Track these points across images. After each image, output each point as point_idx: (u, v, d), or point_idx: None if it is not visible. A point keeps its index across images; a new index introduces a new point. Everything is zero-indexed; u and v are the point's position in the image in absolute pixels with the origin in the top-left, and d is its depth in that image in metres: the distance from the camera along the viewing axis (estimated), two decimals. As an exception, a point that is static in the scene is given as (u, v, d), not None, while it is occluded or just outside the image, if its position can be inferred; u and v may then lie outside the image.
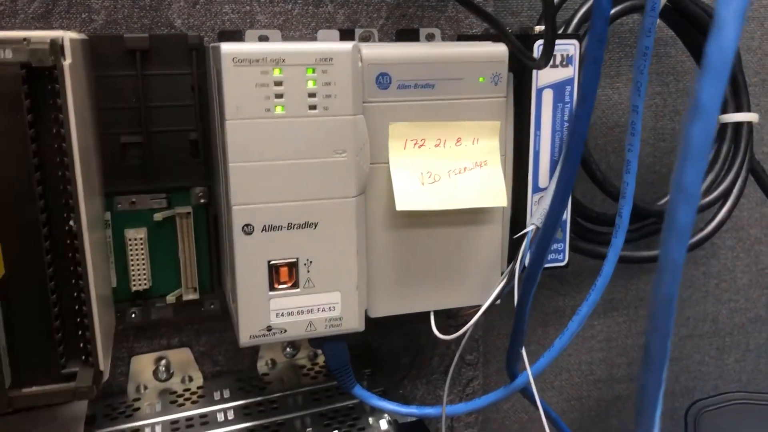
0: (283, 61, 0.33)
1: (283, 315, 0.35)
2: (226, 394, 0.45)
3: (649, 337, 0.18)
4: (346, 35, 0.44)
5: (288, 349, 0.48)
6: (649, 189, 0.58)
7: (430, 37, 0.46)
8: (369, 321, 0.38)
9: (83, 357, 0.33)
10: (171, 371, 0.46)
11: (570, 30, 0.44)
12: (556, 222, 0.28)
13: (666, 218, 0.17)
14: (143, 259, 0.42)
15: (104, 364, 0.33)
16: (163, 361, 0.46)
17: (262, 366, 0.48)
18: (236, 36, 0.42)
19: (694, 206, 0.17)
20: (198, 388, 0.46)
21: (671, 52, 0.57)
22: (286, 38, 0.44)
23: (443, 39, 0.47)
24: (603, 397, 0.63)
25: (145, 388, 0.46)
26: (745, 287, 0.65)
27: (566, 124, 0.39)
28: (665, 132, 0.58)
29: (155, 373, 0.46)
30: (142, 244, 0.42)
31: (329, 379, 0.47)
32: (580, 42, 0.39)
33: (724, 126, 0.51)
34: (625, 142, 0.33)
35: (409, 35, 0.46)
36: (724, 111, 0.51)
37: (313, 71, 0.33)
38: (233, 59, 0.32)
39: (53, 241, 0.32)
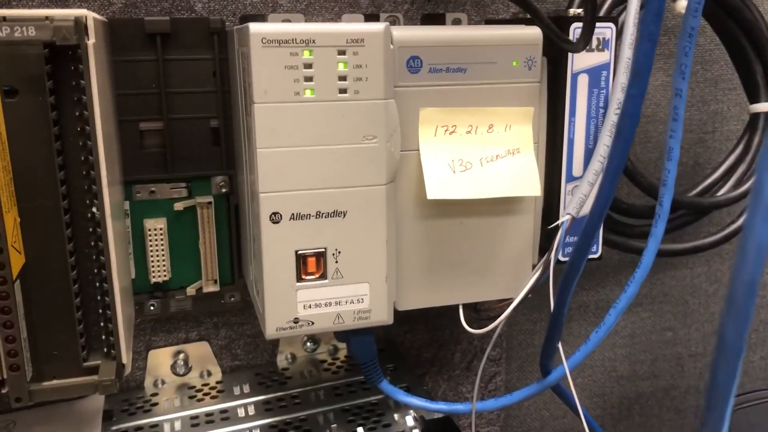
0: (313, 42, 0.31)
1: (310, 307, 0.34)
2: (246, 389, 0.44)
3: (725, 324, 0.17)
4: (371, 20, 0.43)
5: (308, 344, 0.47)
6: (678, 180, 0.56)
7: (456, 22, 0.44)
8: (394, 312, 0.37)
9: (105, 349, 0.32)
10: (189, 365, 0.45)
11: (602, 12, 0.43)
12: (604, 209, 0.27)
13: (751, 197, 0.16)
14: (163, 250, 0.40)
15: (126, 356, 0.32)
16: (182, 355, 0.45)
17: (281, 360, 0.47)
18: (258, 20, 0.40)
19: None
20: (217, 382, 0.45)
21: (699, 41, 0.55)
22: (309, 22, 0.43)
23: (469, 24, 0.45)
24: (626, 394, 0.62)
25: (163, 382, 0.45)
26: (771, 282, 0.63)
27: (602, 111, 0.38)
28: (692, 122, 0.57)
29: (173, 367, 0.45)
30: (161, 234, 0.40)
31: (351, 374, 0.46)
32: (617, 25, 0.37)
33: (755, 115, 0.50)
34: (667, 127, 0.32)
35: (434, 20, 0.44)
36: (756, 100, 0.50)
37: (344, 53, 0.32)
38: (262, 40, 0.31)
39: (75, 229, 0.31)
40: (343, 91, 0.32)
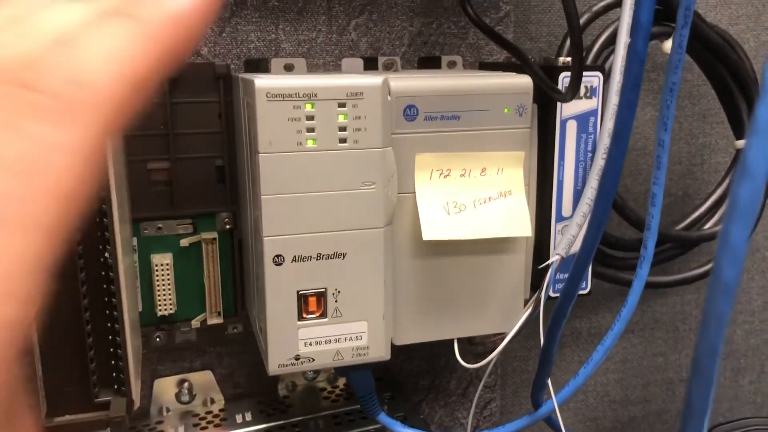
0: (315, 95, 0.33)
1: (311, 344, 0.36)
2: (248, 417, 0.46)
3: (692, 387, 0.19)
4: (370, 63, 0.45)
5: (309, 372, 0.49)
6: (665, 212, 0.58)
7: (451, 65, 0.46)
8: (391, 347, 0.38)
9: (115, 386, 0.34)
10: (193, 393, 0.47)
11: (591, 58, 0.45)
12: (589, 257, 0.28)
13: (712, 273, 0.17)
14: (169, 284, 0.42)
15: (135, 392, 0.34)
16: (186, 384, 0.47)
17: (282, 389, 0.49)
18: (262, 64, 0.42)
19: (740, 263, 0.17)
20: (220, 410, 0.47)
21: (687, 77, 0.57)
22: (310, 66, 0.44)
23: (464, 66, 0.47)
24: (618, 418, 0.63)
25: (168, 410, 0.46)
26: (760, 309, 0.65)
27: (590, 154, 0.40)
28: (681, 155, 0.59)
29: (178, 395, 0.46)
30: (168, 269, 0.42)
31: (350, 403, 0.47)
32: (603, 73, 0.39)
33: (741, 151, 0.52)
34: (652, 175, 0.34)
35: (430, 63, 0.46)
36: (741, 136, 0.51)
37: (344, 105, 0.34)
38: (267, 94, 0.32)
39: (88, 272, 0.33)
40: (343, 140, 0.34)
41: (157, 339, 0.43)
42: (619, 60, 0.39)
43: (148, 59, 0.17)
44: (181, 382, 0.47)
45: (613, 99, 0.38)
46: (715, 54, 0.50)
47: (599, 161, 0.38)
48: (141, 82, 0.17)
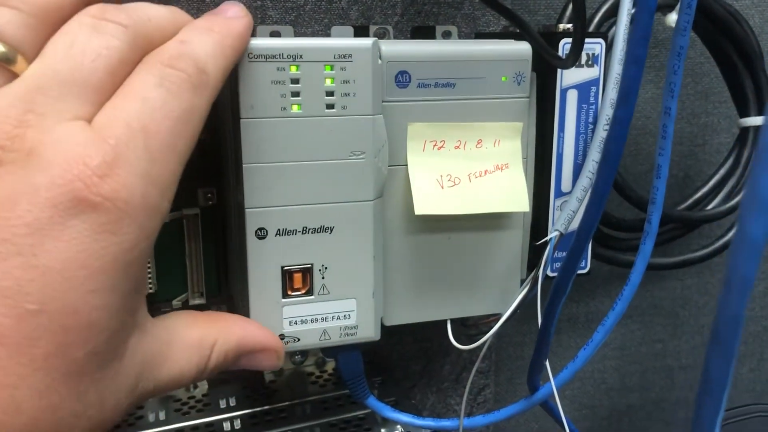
0: (301, 57, 0.31)
1: (296, 323, 0.34)
2: (233, 402, 0.44)
3: (710, 359, 0.17)
4: (360, 32, 0.42)
5: (296, 357, 0.47)
6: (667, 194, 0.56)
7: (446, 35, 0.44)
8: (382, 328, 0.37)
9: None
10: (175, 378, 0.45)
11: (592, 27, 0.43)
12: (590, 230, 0.27)
13: (736, 230, 0.16)
14: (149, 264, 0.40)
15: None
16: (167, 368, 0.45)
17: (268, 373, 0.47)
18: (247, 32, 0.40)
19: (768, 217, 0.15)
20: (203, 395, 0.45)
21: (690, 54, 0.55)
22: (298, 34, 0.42)
23: (460, 37, 0.45)
24: (615, 406, 0.62)
25: (149, 395, 0.44)
26: (761, 295, 0.63)
27: (591, 126, 0.38)
28: (683, 135, 0.57)
29: (159, 380, 0.44)
30: (147, 246, 0.40)
31: (338, 388, 0.46)
32: (606, 40, 0.37)
33: (745, 129, 0.50)
34: (656, 145, 0.32)
35: (424, 33, 0.44)
36: (745, 114, 0.50)
37: (332, 68, 0.32)
38: (248, 54, 0.30)
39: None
40: (330, 106, 0.32)
41: (137, 320, 0.41)
42: (622, 28, 0.37)
43: (227, 55, 0.28)
44: (163, 365, 0.45)
45: (616, 68, 0.36)
46: (719, 27, 0.48)
47: (601, 133, 0.36)
48: (226, 71, 0.28)
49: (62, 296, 0.22)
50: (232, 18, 0.28)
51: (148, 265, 0.40)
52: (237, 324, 0.31)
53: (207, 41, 0.27)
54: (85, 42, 0.24)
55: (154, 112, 0.24)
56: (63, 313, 0.22)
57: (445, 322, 0.38)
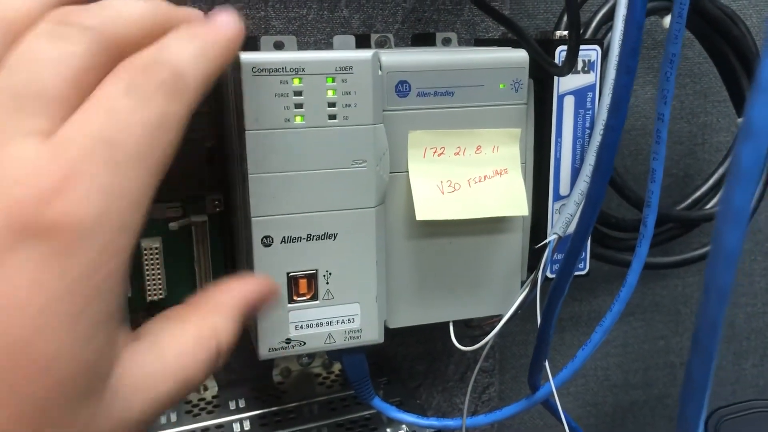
0: (303, 70, 0.32)
1: (302, 327, 0.35)
2: (242, 403, 0.45)
3: (692, 362, 0.18)
4: (362, 40, 0.43)
5: (304, 358, 0.48)
6: (666, 193, 0.57)
7: (446, 42, 0.45)
8: (386, 330, 0.38)
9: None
10: (186, 380, 0.46)
11: (589, 33, 0.44)
12: (586, 235, 0.27)
13: (713, 241, 0.16)
14: (158, 269, 0.41)
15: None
16: (178, 371, 0.46)
17: (276, 375, 0.48)
18: (251, 42, 0.41)
19: (743, 229, 0.16)
20: (213, 397, 0.46)
21: (688, 54, 0.56)
22: (301, 44, 0.43)
23: (460, 43, 0.46)
24: (619, 403, 0.62)
25: (160, 397, 0.45)
26: (763, 291, 0.64)
27: (587, 131, 0.39)
28: (682, 135, 0.58)
29: (170, 382, 0.45)
30: (157, 253, 0.41)
31: (345, 389, 0.47)
32: (602, 47, 0.38)
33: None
34: (651, 150, 0.33)
35: (425, 40, 0.45)
36: (743, 113, 0.50)
37: (333, 80, 0.33)
38: (252, 69, 0.31)
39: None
40: (332, 117, 0.33)
41: (148, 325, 0.42)
42: (617, 34, 0.38)
43: (210, 60, 0.26)
44: (173, 368, 0.46)
45: (612, 74, 0.37)
46: (717, 29, 0.49)
47: (597, 137, 0.37)
48: (210, 77, 0.26)
49: (11, 331, 0.20)
50: (221, 25, 0.26)
51: (158, 273, 0.41)
52: (226, 294, 0.30)
53: (188, 47, 0.24)
54: (42, 50, 0.22)
55: (121, 122, 0.22)
56: (12, 350, 0.20)
57: (447, 323, 0.39)
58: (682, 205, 0.51)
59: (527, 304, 0.38)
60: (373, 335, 0.36)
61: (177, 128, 0.24)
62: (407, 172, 0.36)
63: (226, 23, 0.27)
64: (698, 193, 0.52)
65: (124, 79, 0.23)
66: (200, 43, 0.25)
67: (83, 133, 0.22)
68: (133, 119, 0.22)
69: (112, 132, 0.22)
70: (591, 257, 0.42)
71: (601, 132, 0.37)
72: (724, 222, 0.16)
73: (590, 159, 0.37)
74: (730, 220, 0.16)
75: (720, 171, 0.52)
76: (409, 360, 0.51)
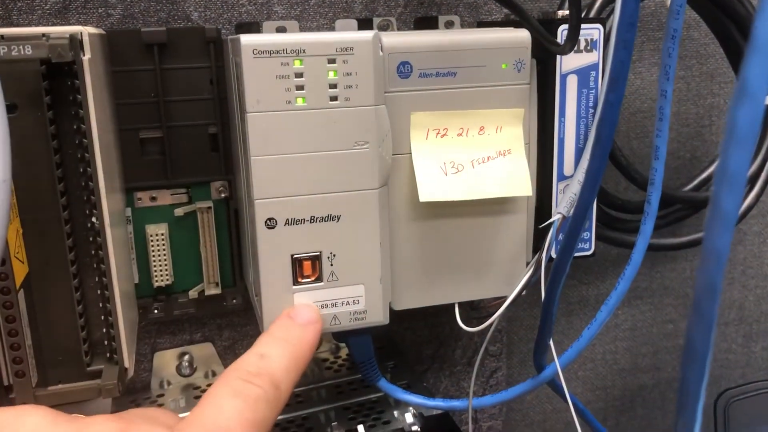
0: (303, 51, 0.32)
1: (307, 309, 0.35)
2: (250, 388, 0.45)
3: (692, 327, 0.18)
4: (364, 24, 0.43)
5: (311, 343, 0.48)
6: (674, 175, 0.57)
7: (449, 25, 0.45)
8: (392, 313, 0.38)
9: (108, 354, 0.33)
10: (194, 366, 0.46)
11: (592, 13, 0.44)
12: (586, 212, 0.27)
13: (710, 205, 0.16)
14: (165, 255, 0.41)
15: (129, 361, 0.33)
16: (186, 357, 0.46)
17: (284, 360, 0.48)
18: (253, 28, 0.41)
19: (740, 193, 0.16)
20: (221, 382, 0.46)
21: (694, 35, 0.56)
22: (303, 29, 0.43)
23: (462, 26, 0.46)
24: (628, 386, 0.62)
25: (169, 383, 0.46)
26: (772, 273, 0.63)
27: (591, 111, 0.38)
28: (689, 116, 0.57)
29: (178, 368, 0.46)
30: (163, 239, 0.41)
31: (352, 373, 0.47)
32: (605, 26, 0.38)
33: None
34: (654, 127, 0.33)
35: (427, 23, 0.45)
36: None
37: (334, 61, 0.33)
38: (253, 51, 0.31)
39: (76, 238, 0.32)
40: (333, 98, 0.33)
41: (155, 311, 0.42)
42: (619, 14, 0.38)
43: (300, 368, 0.31)
44: (182, 354, 0.46)
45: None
46: (722, 8, 0.48)
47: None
48: (296, 383, 0.30)
49: None
50: (306, 325, 0.32)
51: (164, 258, 0.41)
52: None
53: (283, 355, 0.30)
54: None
55: (230, 420, 0.26)
56: None
57: (454, 306, 0.39)
58: (689, 186, 0.51)
59: (532, 284, 0.38)
60: (378, 316, 0.36)
61: (268, 428, 0.28)
62: (410, 153, 0.36)
63: (310, 321, 0.33)
64: (705, 174, 0.52)
65: (233, 386, 0.28)
66: (292, 351, 0.30)
67: (197, 424, 0.26)
68: (240, 418, 0.26)
69: (221, 425, 0.26)
70: (598, 240, 0.42)
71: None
72: (721, 185, 0.16)
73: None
74: (727, 183, 0.16)
75: (727, 152, 0.52)
76: (416, 344, 0.51)
